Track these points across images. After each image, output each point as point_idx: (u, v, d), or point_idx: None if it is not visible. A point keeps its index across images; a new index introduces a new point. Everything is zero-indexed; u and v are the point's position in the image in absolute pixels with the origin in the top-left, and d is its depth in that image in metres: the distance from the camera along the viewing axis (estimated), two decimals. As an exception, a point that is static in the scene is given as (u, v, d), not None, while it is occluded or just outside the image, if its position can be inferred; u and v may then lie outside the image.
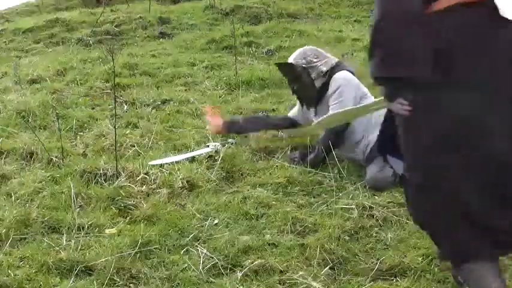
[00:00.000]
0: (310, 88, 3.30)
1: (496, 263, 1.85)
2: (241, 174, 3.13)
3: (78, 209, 2.66)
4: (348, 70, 3.35)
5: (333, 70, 3.29)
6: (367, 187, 2.94)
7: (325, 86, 3.27)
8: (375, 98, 3.36)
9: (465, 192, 1.75)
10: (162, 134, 3.69)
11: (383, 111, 3.14)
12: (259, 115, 3.70)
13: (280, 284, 2.12)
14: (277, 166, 3.20)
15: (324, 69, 3.28)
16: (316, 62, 3.30)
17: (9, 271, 2.14)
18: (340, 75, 3.27)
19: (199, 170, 3.09)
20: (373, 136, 3.10)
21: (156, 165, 3.12)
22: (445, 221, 1.82)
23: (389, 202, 2.76)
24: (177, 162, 3.17)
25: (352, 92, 3.22)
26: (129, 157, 3.29)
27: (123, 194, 2.78)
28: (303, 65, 3.28)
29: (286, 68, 3.41)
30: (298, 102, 3.54)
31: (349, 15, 8.70)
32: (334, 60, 3.37)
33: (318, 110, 3.36)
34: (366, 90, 3.32)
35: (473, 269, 1.83)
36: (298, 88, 3.37)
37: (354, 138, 3.19)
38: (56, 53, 6.93)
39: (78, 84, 4.89)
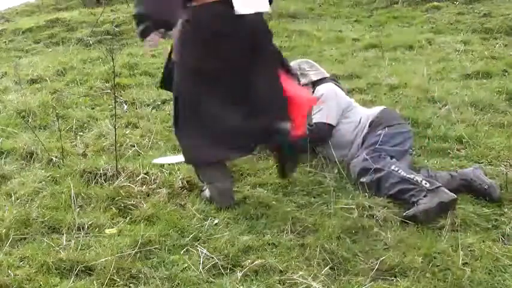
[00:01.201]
0: None
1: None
2: (241, 174, 3.13)
3: (78, 209, 2.66)
4: (335, 83, 3.45)
5: (321, 81, 3.40)
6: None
7: None
8: (361, 106, 3.44)
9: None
10: (162, 134, 3.69)
11: (371, 112, 3.22)
12: None
13: (280, 284, 2.12)
14: (277, 166, 3.19)
15: (314, 78, 3.41)
16: (308, 70, 3.44)
17: (9, 271, 2.14)
18: (324, 86, 3.36)
19: (199, 170, 3.09)
20: (360, 138, 3.14)
21: (157, 164, 3.13)
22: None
23: (389, 202, 2.75)
24: (177, 162, 3.17)
25: (334, 101, 3.26)
26: (129, 157, 3.29)
27: (123, 194, 2.78)
28: (296, 71, 3.36)
29: None
30: None
31: (349, 15, 8.72)
32: (325, 74, 3.49)
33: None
34: (351, 100, 3.40)
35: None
36: None
37: (345, 138, 3.21)
38: (56, 53, 6.94)
39: (78, 84, 4.89)
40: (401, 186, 2.72)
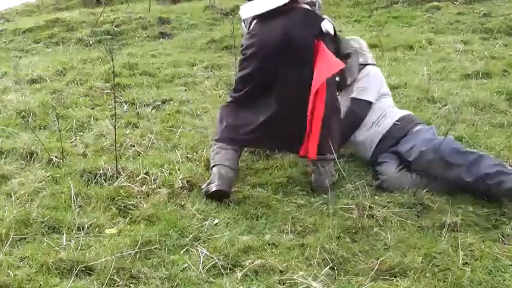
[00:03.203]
0: (353, 67, 3.37)
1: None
2: (241, 174, 3.13)
3: (78, 209, 2.66)
4: None
5: (367, 64, 3.45)
6: (380, 186, 2.95)
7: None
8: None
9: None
10: (162, 134, 3.69)
11: (400, 110, 3.30)
12: None
13: (280, 284, 2.12)
14: (277, 166, 3.20)
15: (370, 61, 3.45)
16: (366, 51, 3.47)
17: (9, 271, 2.14)
18: (373, 68, 3.43)
19: (199, 170, 3.10)
20: (385, 124, 3.16)
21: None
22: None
23: (389, 202, 2.76)
24: (177, 162, 3.17)
25: (378, 84, 3.33)
26: (129, 157, 3.29)
27: (123, 194, 2.78)
28: (356, 48, 3.42)
29: (341, 42, 3.43)
30: None
31: (349, 15, 8.70)
32: (375, 62, 3.58)
33: (341, 94, 3.41)
34: (388, 90, 3.43)
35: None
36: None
37: (370, 117, 3.24)
38: (56, 53, 6.93)
39: (78, 84, 4.89)
40: (499, 168, 2.71)
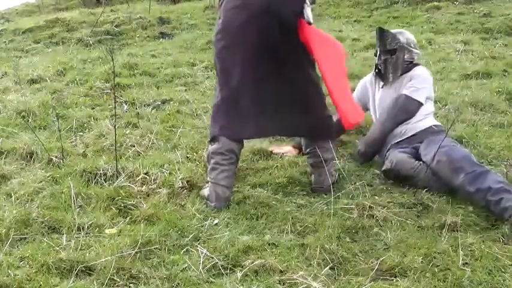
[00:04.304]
0: (398, 64, 3.33)
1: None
2: (241, 174, 3.13)
3: (78, 209, 2.66)
4: None
5: (417, 65, 3.40)
6: (386, 171, 3.00)
7: (403, 73, 3.34)
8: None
9: None
10: (162, 134, 3.69)
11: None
12: None
13: (280, 284, 2.12)
14: (277, 166, 3.20)
15: (415, 60, 3.41)
16: (413, 48, 3.40)
17: (9, 271, 2.14)
18: (424, 70, 3.39)
19: (199, 170, 3.10)
20: (423, 124, 3.20)
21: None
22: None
23: (389, 202, 2.76)
24: (177, 162, 3.17)
25: (429, 88, 3.31)
26: (129, 157, 3.29)
27: (123, 194, 2.78)
28: (403, 44, 3.36)
29: (388, 36, 3.39)
30: (366, 78, 3.58)
31: (349, 15, 8.71)
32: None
33: (382, 91, 3.39)
34: (433, 95, 3.42)
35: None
36: (387, 60, 3.35)
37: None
38: (56, 53, 6.94)
39: (78, 84, 4.89)
40: (504, 186, 2.64)
